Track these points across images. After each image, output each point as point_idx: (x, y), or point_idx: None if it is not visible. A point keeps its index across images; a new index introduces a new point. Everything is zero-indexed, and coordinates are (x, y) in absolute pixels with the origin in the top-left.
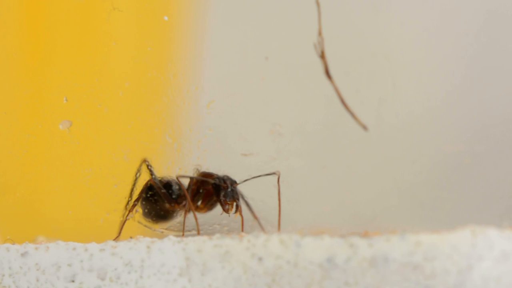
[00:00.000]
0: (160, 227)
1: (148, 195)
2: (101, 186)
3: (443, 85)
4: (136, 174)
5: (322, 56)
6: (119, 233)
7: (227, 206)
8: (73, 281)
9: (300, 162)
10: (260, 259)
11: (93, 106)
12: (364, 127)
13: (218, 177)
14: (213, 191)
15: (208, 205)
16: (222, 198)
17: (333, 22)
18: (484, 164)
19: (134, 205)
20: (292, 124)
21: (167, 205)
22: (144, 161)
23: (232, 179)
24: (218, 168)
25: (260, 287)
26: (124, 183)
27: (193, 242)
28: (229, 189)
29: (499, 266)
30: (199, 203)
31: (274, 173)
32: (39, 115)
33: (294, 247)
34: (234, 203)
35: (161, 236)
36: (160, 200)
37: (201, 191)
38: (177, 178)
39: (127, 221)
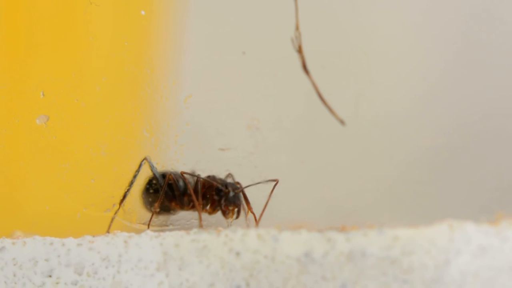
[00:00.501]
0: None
1: (154, 189)
2: (78, 181)
3: (421, 80)
4: (135, 172)
5: (299, 50)
6: (109, 226)
7: (227, 212)
8: (50, 276)
9: (278, 157)
10: (237, 253)
11: (70, 100)
12: (342, 122)
13: (222, 182)
14: (216, 195)
15: (213, 208)
16: (222, 202)
17: (310, 17)
18: (462, 159)
19: (125, 195)
20: (269, 119)
21: (173, 203)
22: (145, 159)
23: (235, 184)
24: (196, 163)
25: (237, 281)
26: (101, 178)
27: (170, 237)
28: (230, 194)
29: (476, 261)
30: (207, 206)
31: (274, 180)
32: (15, 110)
33: (272, 241)
34: (236, 209)
35: (139, 231)
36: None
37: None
38: (181, 174)
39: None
